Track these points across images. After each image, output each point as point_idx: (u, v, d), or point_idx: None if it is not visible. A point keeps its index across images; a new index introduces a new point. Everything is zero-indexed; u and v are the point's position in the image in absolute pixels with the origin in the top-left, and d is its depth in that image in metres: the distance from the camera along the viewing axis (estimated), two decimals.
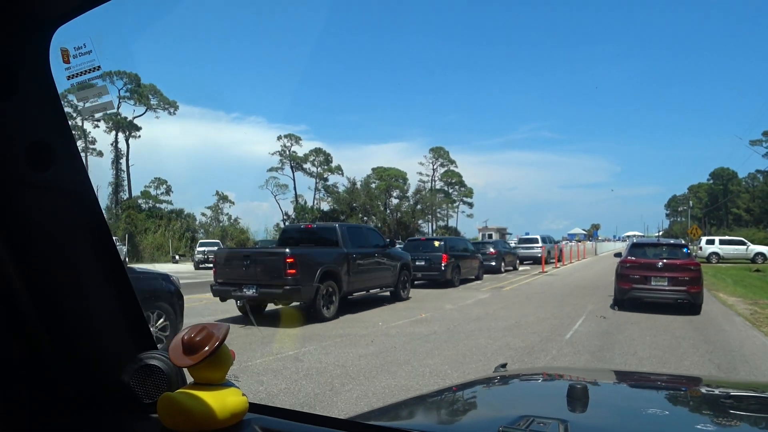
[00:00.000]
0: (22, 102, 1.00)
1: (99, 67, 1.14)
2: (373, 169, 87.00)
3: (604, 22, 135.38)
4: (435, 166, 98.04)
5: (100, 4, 0.97)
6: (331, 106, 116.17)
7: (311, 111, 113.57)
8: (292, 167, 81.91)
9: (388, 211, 79.72)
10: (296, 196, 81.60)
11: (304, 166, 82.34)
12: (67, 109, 1.11)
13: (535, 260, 33.15)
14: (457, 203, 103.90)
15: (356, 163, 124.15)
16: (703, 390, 1.95)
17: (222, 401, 1.03)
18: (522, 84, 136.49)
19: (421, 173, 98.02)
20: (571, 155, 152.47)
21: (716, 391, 1.84)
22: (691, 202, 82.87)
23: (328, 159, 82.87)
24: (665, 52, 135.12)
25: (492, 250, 27.06)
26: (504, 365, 2.34)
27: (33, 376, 1.08)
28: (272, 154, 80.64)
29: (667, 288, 12.15)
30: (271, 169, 79.10)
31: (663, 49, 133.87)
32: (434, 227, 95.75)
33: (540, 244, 34.79)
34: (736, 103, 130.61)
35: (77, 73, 1.13)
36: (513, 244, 37.45)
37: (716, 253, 35.85)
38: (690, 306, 12.07)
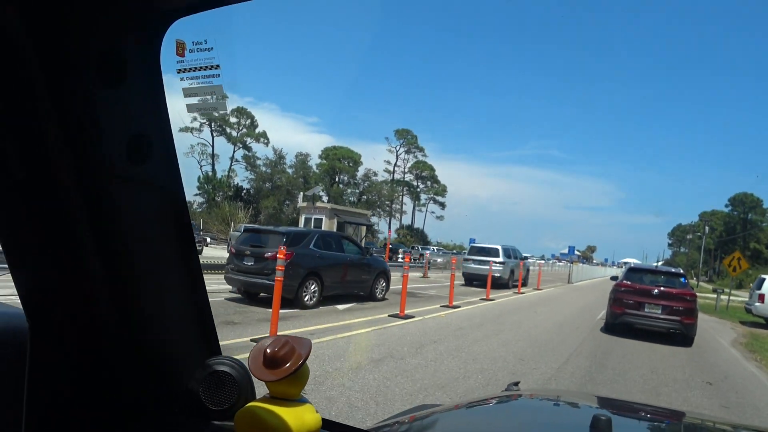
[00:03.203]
0: (129, 92, 1.04)
1: (218, 66, 1.21)
2: (322, 150, 75.83)
3: (623, 47, 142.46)
4: (398, 151, 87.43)
5: (226, 4, 1.06)
6: (344, 103, 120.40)
7: (323, 105, 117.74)
8: (211, 129, 70.27)
9: (327, 198, 68.16)
10: (213, 164, 69.74)
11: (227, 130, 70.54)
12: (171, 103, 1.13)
13: (493, 282, 24.43)
14: (425, 201, 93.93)
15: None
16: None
17: (300, 418, 1.06)
18: (534, 100, 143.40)
19: (389, 162, 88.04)
20: (578, 176, 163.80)
21: None
22: (707, 228, 72.80)
23: (253, 123, 70.85)
24: (683, 79, 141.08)
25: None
26: (517, 383, 2.35)
27: (99, 377, 1.11)
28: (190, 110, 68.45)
29: (660, 316, 12.59)
30: (184, 129, 66.13)
31: (681, 75, 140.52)
32: (390, 225, 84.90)
33: (501, 259, 26.10)
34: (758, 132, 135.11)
35: (191, 68, 1.21)
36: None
37: None
38: (683, 337, 12.58)
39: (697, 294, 16.13)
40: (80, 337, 1.08)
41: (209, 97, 1.25)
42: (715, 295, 28.89)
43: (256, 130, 70.64)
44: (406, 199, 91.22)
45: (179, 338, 1.24)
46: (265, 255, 12.27)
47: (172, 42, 1.14)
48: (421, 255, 46.51)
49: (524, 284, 28.52)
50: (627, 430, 1.74)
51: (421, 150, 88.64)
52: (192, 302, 1.25)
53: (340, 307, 13.11)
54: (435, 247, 67.00)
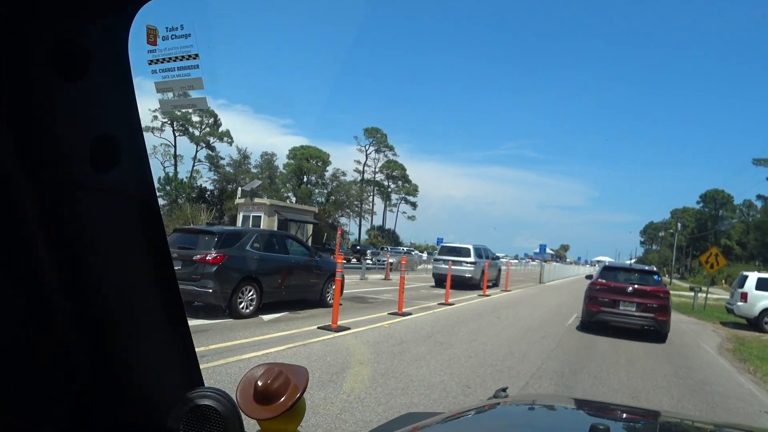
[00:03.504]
0: (91, 86, 0.91)
1: (197, 55, 1.09)
2: (290, 150, 73.39)
3: (597, 48, 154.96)
4: (368, 151, 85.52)
5: None
6: (319, 103, 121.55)
7: (298, 105, 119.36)
8: (174, 129, 67.34)
9: (294, 198, 65.77)
10: (176, 165, 66.80)
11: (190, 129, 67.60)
12: (142, 100, 1.00)
13: (464, 283, 23.96)
14: (396, 202, 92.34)
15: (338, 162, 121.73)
16: None
17: None
18: (510, 101, 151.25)
19: (359, 162, 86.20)
20: (552, 176, 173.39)
21: None
22: (679, 225, 72.07)
23: (216, 122, 68.07)
24: (656, 78, 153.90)
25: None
26: (505, 389, 2.29)
27: (59, 417, 0.95)
28: (153, 110, 65.81)
29: (635, 314, 12.59)
30: (145, 129, 63.01)
31: (655, 74, 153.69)
32: (361, 225, 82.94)
33: (472, 259, 25.11)
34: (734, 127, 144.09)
35: (165, 58, 1.10)
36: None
37: None
38: (656, 334, 12.59)
39: (672, 292, 16.45)
40: (36, 376, 0.91)
41: (187, 91, 1.12)
42: (691, 294, 27.45)
43: (220, 129, 68.03)
44: (377, 200, 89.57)
45: (155, 368, 1.09)
46: (194, 258, 10.49)
47: (141, 28, 1.03)
48: (374, 255, 44.68)
49: (496, 285, 27.32)
50: None
51: (391, 149, 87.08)
52: (169, 327, 1.10)
53: (267, 317, 11.08)
54: (405, 248, 65.21)
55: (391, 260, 31.70)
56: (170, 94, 1.16)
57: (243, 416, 1.00)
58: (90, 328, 0.95)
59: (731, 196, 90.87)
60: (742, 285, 18.55)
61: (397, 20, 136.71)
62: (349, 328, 10.20)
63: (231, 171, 62.43)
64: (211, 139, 68.14)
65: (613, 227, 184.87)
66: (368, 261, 33.47)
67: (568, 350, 10.25)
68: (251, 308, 11.08)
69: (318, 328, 10.04)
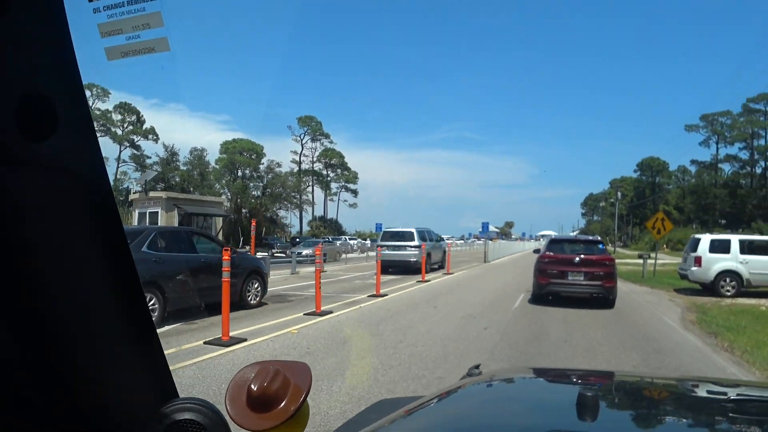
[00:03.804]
0: (13, 28, 0.70)
1: None
2: (222, 144, 69.95)
3: (525, 28, 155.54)
4: (303, 140, 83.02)
5: None
6: (257, 98, 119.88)
7: (235, 101, 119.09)
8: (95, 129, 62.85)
9: (228, 195, 62.70)
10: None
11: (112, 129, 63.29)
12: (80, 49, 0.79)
13: (410, 268, 23.31)
14: (336, 190, 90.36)
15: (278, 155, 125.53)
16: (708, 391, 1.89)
17: None
18: (445, 84, 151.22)
19: (296, 152, 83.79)
20: (492, 156, 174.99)
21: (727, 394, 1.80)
22: (619, 194, 72.52)
23: (139, 119, 64.04)
24: (585, 57, 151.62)
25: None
26: (478, 366, 2.19)
27: None
28: None
29: (583, 282, 12.89)
30: None
31: (583, 53, 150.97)
32: (302, 217, 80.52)
33: (416, 242, 24.27)
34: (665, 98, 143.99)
35: None
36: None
37: (737, 275, 16.45)
38: (604, 300, 12.94)
39: (618, 260, 17.12)
40: None
41: (141, 31, 0.88)
42: (640, 261, 26.51)
43: (144, 126, 64.14)
44: (317, 190, 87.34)
45: (120, 383, 0.89)
46: None
47: None
48: (284, 248, 42.39)
49: (442, 267, 26.27)
50: (617, 405, 1.70)
51: (327, 137, 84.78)
52: (131, 330, 0.90)
53: (161, 329, 8.96)
54: (348, 237, 63.18)
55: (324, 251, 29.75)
56: (120, 38, 0.90)
57: (234, 427, 0.85)
58: (29, 343, 0.76)
59: (666, 163, 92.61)
60: (695, 249, 17.23)
61: (330, 13, 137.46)
62: (245, 339, 8.14)
63: (158, 170, 58.67)
64: (136, 138, 64.23)
65: (555, 202, 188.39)
66: (303, 253, 31.18)
67: (514, 343, 8.41)
68: (153, 318, 9.01)
69: (205, 342, 7.92)
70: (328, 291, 14.73)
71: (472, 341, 8.55)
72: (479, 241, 64.46)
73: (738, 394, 1.70)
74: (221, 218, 38.90)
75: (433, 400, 1.74)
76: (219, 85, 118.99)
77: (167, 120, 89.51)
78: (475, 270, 27.99)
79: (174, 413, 0.85)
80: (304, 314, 10.93)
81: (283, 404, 0.81)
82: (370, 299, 13.79)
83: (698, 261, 16.82)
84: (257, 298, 12.36)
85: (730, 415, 1.43)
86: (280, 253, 39.54)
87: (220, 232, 36.73)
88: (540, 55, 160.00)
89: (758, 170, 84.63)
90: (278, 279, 19.63)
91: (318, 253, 12.62)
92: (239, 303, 11.45)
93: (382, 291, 14.95)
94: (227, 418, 0.84)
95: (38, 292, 0.75)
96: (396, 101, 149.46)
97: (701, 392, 1.86)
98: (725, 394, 1.78)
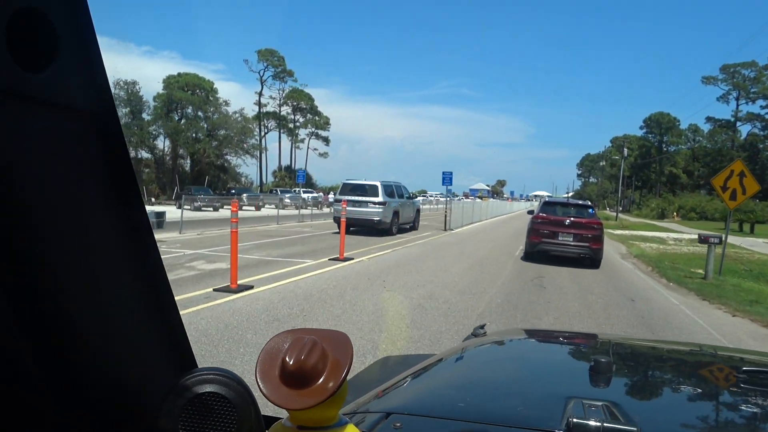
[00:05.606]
0: None
1: None
2: (163, 80, 61.10)
3: None
4: (263, 76, 74.58)
5: None
6: (250, 48, 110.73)
7: (229, 50, 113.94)
8: None
9: (164, 140, 54.67)
10: None
11: None
12: None
13: (373, 227, 21.07)
14: (305, 137, 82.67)
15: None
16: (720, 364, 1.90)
17: None
18: (443, 39, 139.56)
19: (264, 95, 75.71)
20: (489, 114, 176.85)
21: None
22: (625, 150, 65.43)
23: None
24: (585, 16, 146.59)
25: None
26: (483, 326, 2.26)
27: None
28: None
29: (572, 243, 14.34)
30: None
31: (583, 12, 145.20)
32: (261, 166, 72.62)
33: (380, 198, 21.11)
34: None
35: None
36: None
37: None
38: (591, 260, 14.41)
39: (620, 232, 24.20)
40: None
41: None
42: (657, 235, 19.35)
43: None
44: (283, 137, 79.63)
45: (135, 354, 0.84)
46: None
47: None
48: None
49: (414, 228, 24.58)
50: (629, 371, 1.72)
51: (291, 74, 76.28)
52: (148, 296, 0.83)
53: None
54: (299, 189, 53.38)
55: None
56: None
57: (262, 401, 0.78)
58: (35, 309, 0.70)
59: (677, 120, 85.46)
60: None
61: None
62: None
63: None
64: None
65: (551, 162, 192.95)
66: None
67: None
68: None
69: None
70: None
71: None
72: (467, 200, 57.10)
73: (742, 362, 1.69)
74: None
75: (440, 360, 1.76)
76: (215, 34, 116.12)
77: (161, 68, 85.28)
78: (444, 238, 21.27)
79: (195, 385, 0.78)
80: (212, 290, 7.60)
81: (321, 380, 0.74)
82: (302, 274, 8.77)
83: None
84: None
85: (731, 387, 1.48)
86: (207, 207, 33.51)
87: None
88: (543, 10, 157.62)
89: None
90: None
91: (234, 209, 9.13)
92: None
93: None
94: (255, 391, 0.78)
95: (42, 252, 0.67)
96: (392, 54, 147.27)
97: (703, 358, 1.95)
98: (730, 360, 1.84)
